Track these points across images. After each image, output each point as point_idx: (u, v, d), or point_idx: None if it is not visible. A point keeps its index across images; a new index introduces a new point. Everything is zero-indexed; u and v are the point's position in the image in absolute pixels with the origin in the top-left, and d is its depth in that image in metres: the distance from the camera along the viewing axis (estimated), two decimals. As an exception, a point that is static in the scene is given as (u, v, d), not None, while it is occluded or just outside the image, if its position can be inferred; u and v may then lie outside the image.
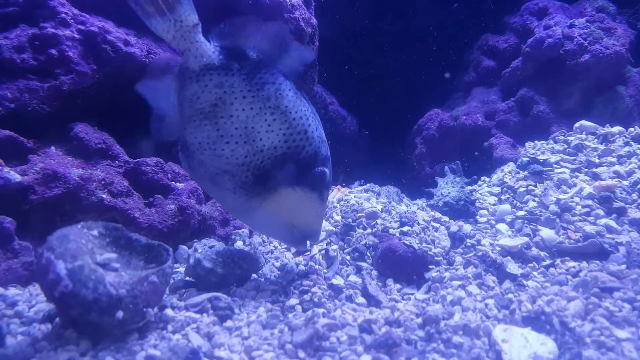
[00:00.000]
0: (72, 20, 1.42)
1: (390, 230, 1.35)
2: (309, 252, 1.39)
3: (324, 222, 1.51)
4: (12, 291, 1.10)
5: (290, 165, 1.05)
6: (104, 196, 1.29)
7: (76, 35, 1.41)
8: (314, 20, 2.05)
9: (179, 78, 1.03)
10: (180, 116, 1.05)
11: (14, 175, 1.20)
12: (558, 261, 1.23)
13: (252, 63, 1.03)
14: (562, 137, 1.81)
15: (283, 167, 1.05)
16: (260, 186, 1.05)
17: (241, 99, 1.02)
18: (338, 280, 1.19)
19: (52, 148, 1.35)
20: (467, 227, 1.41)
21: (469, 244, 1.33)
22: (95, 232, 0.97)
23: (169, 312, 0.99)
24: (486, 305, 1.06)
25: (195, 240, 1.43)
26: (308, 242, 1.29)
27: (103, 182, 1.31)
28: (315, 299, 1.07)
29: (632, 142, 1.68)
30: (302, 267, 1.28)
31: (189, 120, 1.04)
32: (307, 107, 1.08)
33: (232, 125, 1.02)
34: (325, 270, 1.26)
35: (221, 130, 1.02)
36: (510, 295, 1.08)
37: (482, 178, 1.86)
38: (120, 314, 0.85)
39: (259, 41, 1.03)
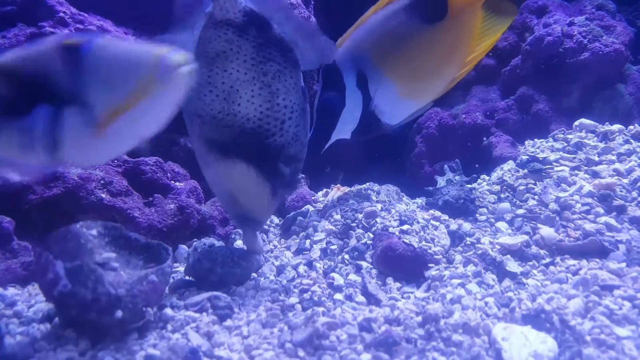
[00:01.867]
0: (70, 20, 1.42)
1: (390, 229, 1.35)
2: (308, 251, 1.39)
3: (323, 221, 1.51)
4: (11, 291, 1.10)
5: (254, 142, 1.06)
6: (103, 196, 1.29)
7: (75, 35, 1.41)
8: (313, 19, 2.05)
9: (206, 20, 1.06)
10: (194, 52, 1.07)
11: (13, 175, 1.20)
12: (558, 259, 1.23)
13: (271, 37, 1.05)
14: (562, 136, 1.81)
15: (246, 141, 1.06)
16: (221, 146, 1.07)
17: (242, 61, 1.04)
18: (337, 279, 1.19)
19: (51, 147, 1.34)
20: (467, 226, 1.41)
21: (468, 243, 1.33)
22: (94, 232, 0.97)
23: (168, 311, 0.99)
24: (486, 303, 1.06)
25: (195, 239, 1.43)
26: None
27: (102, 182, 1.31)
28: (315, 298, 1.07)
29: (632, 140, 1.67)
30: (302, 267, 1.28)
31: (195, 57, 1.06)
32: (300, 103, 1.09)
33: (221, 79, 1.04)
34: (320, 266, 1.26)
35: (211, 77, 1.05)
36: (510, 294, 1.08)
37: (482, 176, 1.86)
38: (119, 313, 0.85)
39: (283, 22, 1.06)
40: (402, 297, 1.14)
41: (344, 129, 1.42)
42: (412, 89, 1.37)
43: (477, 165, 2.06)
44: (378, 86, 1.33)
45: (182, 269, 1.26)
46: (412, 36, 1.34)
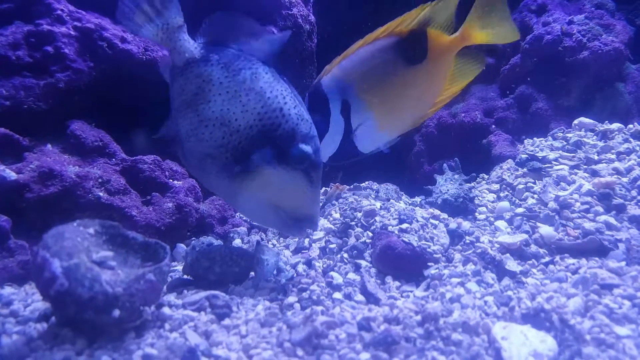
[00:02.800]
0: (68, 17, 1.41)
1: (389, 228, 1.34)
2: (307, 250, 1.39)
3: (322, 220, 1.51)
4: (8, 290, 1.10)
5: (267, 142, 1.08)
6: (101, 194, 1.28)
7: (72, 32, 1.40)
8: (312, 17, 2.05)
9: (171, 75, 1.13)
10: (174, 111, 1.12)
11: (10, 173, 1.19)
12: (557, 258, 1.23)
13: (232, 54, 1.10)
14: (561, 134, 1.80)
15: (260, 146, 1.07)
16: (240, 166, 1.08)
17: (218, 84, 1.08)
18: (336, 278, 1.18)
19: (49, 146, 1.34)
20: (466, 224, 1.41)
21: (467, 241, 1.33)
22: (91, 230, 0.96)
23: (166, 310, 0.98)
24: (485, 302, 1.05)
25: (193, 238, 1.43)
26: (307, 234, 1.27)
27: (100, 180, 1.31)
28: (314, 297, 1.07)
29: (631, 139, 1.67)
30: (301, 266, 1.27)
31: (178, 112, 1.11)
32: (285, 88, 1.12)
33: (209, 110, 1.08)
34: (319, 264, 1.25)
35: (201, 115, 1.08)
36: (510, 293, 1.08)
37: (481, 175, 1.86)
38: (116, 312, 0.84)
39: (236, 35, 1.12)
40: (402, 296, 1.14)
41: (323, 153, 1.50)
42: (388, 122, 1.48)
43: (476, 165, 2.06)
44: (359, 116, 1.41)
45: (180, 267, 1.26)
46: (395, 74, 1.44)
